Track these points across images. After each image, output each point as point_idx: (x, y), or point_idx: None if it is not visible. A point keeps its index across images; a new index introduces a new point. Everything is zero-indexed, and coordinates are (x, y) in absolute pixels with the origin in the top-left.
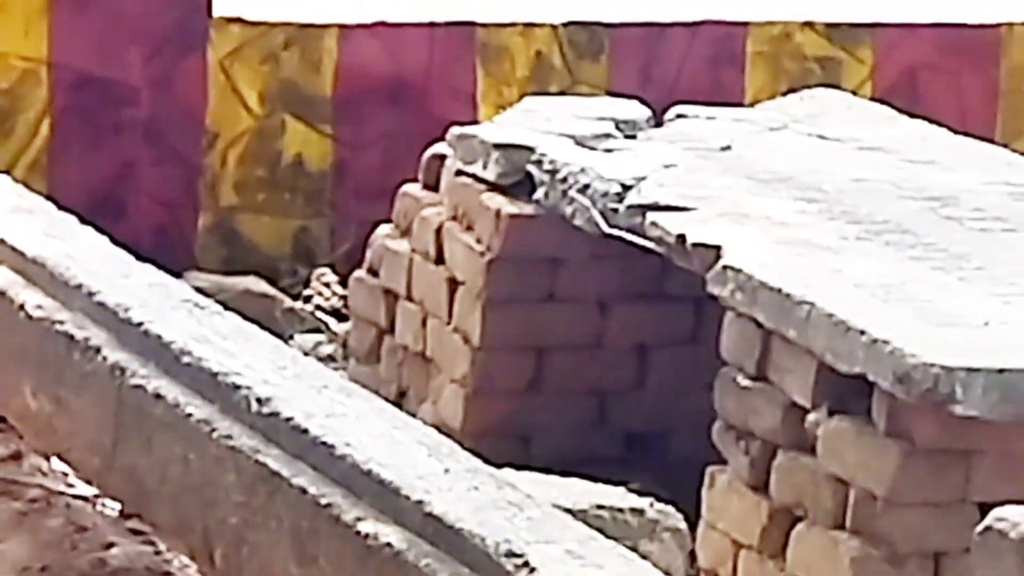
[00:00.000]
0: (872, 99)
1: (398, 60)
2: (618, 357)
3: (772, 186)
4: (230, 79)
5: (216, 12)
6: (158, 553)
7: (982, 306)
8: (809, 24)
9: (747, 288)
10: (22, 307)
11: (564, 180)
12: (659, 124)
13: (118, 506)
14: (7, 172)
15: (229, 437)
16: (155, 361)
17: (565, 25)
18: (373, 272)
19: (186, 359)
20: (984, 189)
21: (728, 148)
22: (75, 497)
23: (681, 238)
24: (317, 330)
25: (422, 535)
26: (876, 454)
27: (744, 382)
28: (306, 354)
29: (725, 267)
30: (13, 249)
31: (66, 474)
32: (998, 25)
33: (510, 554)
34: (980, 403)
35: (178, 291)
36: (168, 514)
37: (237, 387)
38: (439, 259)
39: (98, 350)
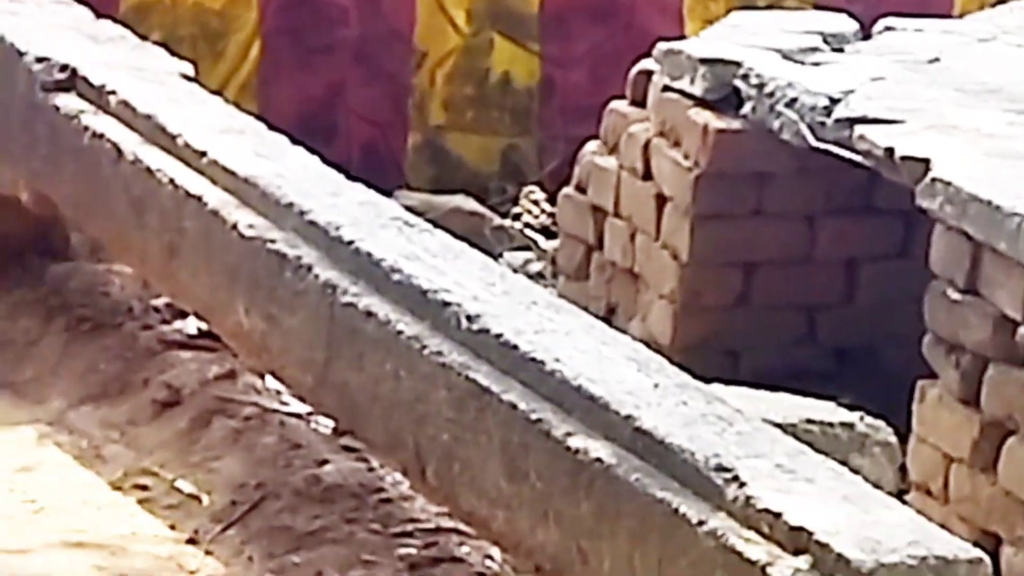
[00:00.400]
0: None
1: None
2: (826, 271)
3: (981, 98)
4: None
5: None
6: (371, 470)
7: None
8: None
9: (956, 200)
10: (235, 226)
11: (771, 94)
12: (867, 37)
13: (331, 423)
14: (219, 93)
15: (439, 354)
16: (366, 279)
17: None
18: (581, 189)
19: (396, 277)
20: None
21: (936, 60)
22: (289, 414)
23: (889, 151)
24: (526, 247)
25: (632, 450)
26: None
27: (954, 295)
28: (515, 271)
29: (934, 179)
30: (225, 169)
31: (279, 392)
32: None
33: (720, 468)
34: None
35: (388, 209)
36: (380, 431)
37: (447, 304)
38: (647, 175)
39: (309, 268)
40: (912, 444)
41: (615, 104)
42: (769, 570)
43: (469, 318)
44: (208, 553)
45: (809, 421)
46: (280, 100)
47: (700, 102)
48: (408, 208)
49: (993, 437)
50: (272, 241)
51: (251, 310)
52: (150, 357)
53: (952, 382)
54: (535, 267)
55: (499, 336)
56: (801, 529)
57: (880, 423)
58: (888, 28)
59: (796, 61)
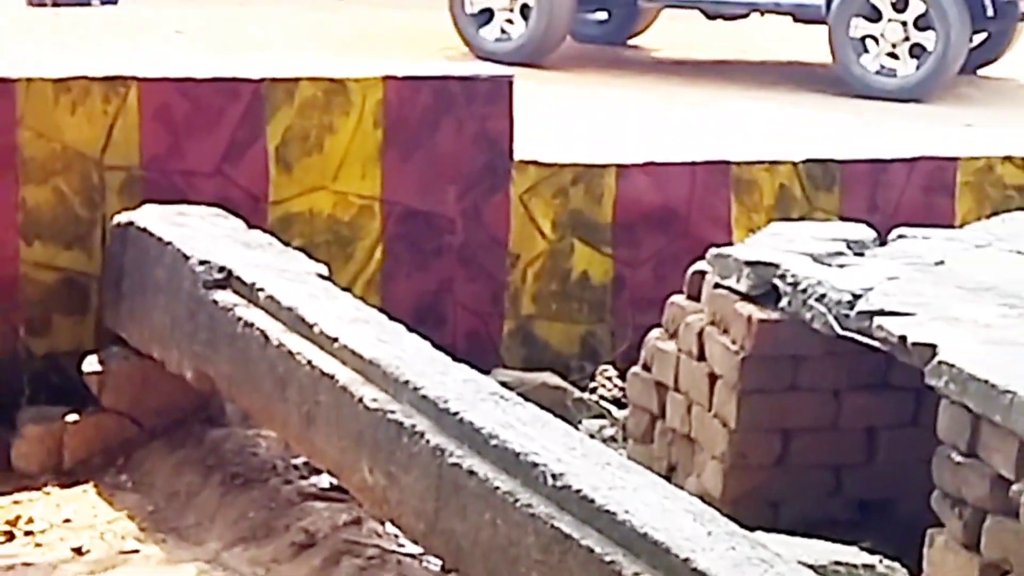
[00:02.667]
0: None
1: (665, 193)
2: (851, 437)
3: (978, 294)
4: (528, 210)
5: (517, 156)
6: None
7: None
8: (1008, 158)
9: (959, 380)
10: (360, 400)
11: (804, 291)
12: (883, 243)
13: (439, 563)
14: (348, 289)
15: (529, 506)
16: (468, 443)
17: (804, 162)
18: (647, 368)
19: (494, 442)
20: None
21: (941, 263)
22: (405, 555)
23: (903, 338)
24: (601, 416)
25: None
26: None
27: (957, 458)
28: (592, 436)
29: (940, 362)
30: (353, 352)
31: (397, 536)
32: None
33: None
34: None
35: (487, 385)
36: (480, 570)
37: (535, 464)
38: (701, 357)
39: (422, 435)
40: None
41: (675, 298)
42: None
43: (554, 476)
44: None
45: (837, 563)
46: (398, 295)
47: (745, 297)
48: (503, 384)
49: None
50: (392, 412)
51: (374, 469)
52: (290, 507)
53: (956, 531)
54: (608, 432)
55: (579, 491)
56: None
57: (896, 564)
58: (901, 236)
59: (824, 263)
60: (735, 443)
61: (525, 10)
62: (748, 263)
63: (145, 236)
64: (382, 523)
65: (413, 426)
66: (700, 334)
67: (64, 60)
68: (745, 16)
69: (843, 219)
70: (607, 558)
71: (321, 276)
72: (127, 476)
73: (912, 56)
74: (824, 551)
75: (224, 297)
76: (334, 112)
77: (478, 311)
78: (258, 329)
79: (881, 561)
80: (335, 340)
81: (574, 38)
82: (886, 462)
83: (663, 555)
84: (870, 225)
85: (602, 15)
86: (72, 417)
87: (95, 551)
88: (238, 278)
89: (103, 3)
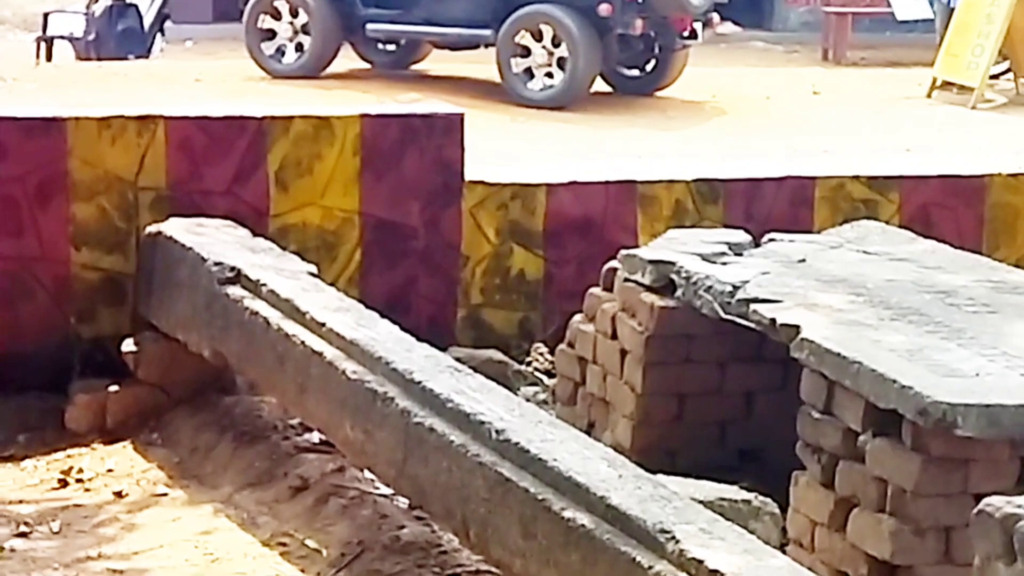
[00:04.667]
0: (899, 226)
1: (586, 206)
2: (733, 399)
3: (832, 285)
4: (476, 221)
5: (467, 177)
6: (433, 532)
7: (974, 363)
8: (856, 177)
9: (817, 353)
10: (343, 372)
11: (695, 283)
12: (758, 245)
13: (407, 501)
14: (333, 284)
15: (478, 455)
16: (429, 406)
17: (694, 181)
18: (571, 345)
19: (450, 405)
20: (974, 285)
21: (803, 261)
22: (380, 495)
23: (773, 320)
24: (535, 384)
25: (604, 519)
26: (905, 462)
27: (816, 415)
28: (528, 400)
29: (802, 339)
30: (337, 334)
31: (373, 480)
32: (982, 176)
33: (663, 531)
34: (974, 427)
35: (444, 360)
36: (439, 506)
37: (483, 423)
38: (614, 336)
39: (393, 399)
40: (790, 514)
41: (593, 290)
42: None
43: (498, 431)
44: None
45: (722, 499)
46: (373, 288)
47: (648, 288)
48: (457, 359)
49: (843, 509)
50: (368, 382)
51: (354, 427)
52: (288, 458)
53: (816, 473)
54: (541, 397)
55: (517, 443)
56: (716, 571)
57: (769, 500)
58: (771, 239)
59: (711, 261)
60: (641, 405)
61: (303, 34)
62: (651, 261)
63: (171, 243)
64: (361, 470)
65: (385, 393)
66: (613, 318)
67: (105, 102)
68: (474, 48)
69: (726, 226)
70: (539, 496)
71: (311, 274)
72: (158, 435)
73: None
74: (712, 490)
75: (234, 291)
76: (321, 143)
77: (437, 301)
78: (262, 316)
79: (756, 497)
80: (323, 324)
81: (368, 60)
82: (761, 418)
83: (584, 494)
84: (747, 231)
85: (391, 47)
86: (113, 388)
87: (132, 494)
88: (245, 276)
89: (137, 57)
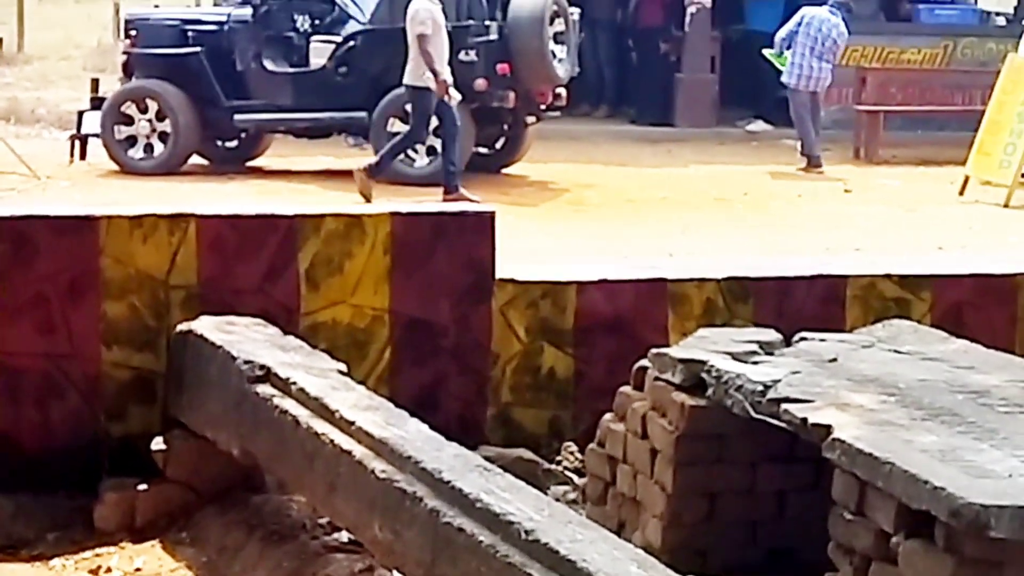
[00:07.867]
0: (931, 325)
1: (616, 304)
2: (764, 499)
3: (864, 385)
4: (507, 319)
5: (498, 275)
6: None
7: (1007, 464)
8: (888, 276)
9: (849, 453)
10: (372, 471)
11: (726, 382)
12: (788, 344)
13: None
14: (363, 382)
15: (507, 556)
16: (459, 506)
17: (725, 280)
18: (601, 444)
19: (479, 504)
20: (1007, 385)
21: (835, 360)
22: None
23: (804, 420)
24: (565, 483)
25: None
26: (938, 564)
27: (848, 516)
28: (558, 500)
29: (834, 439)
30: (367, 433)
31: None
32: (1015, 275)
33: None
34: (1007, 529)
35: (473, 459)
36: None
37: (512, 523)
38: (644, 435)
39: (421, 499)
40: None
41: (623, 389)
42: None
43: (527, 532)
44: None
45: None
46: (403, 387)
47: (679, 387)
48: (487, 458)
49: None
50: (397, 481)
51: (383, 527)
52: (317, 558)
53: (848, 574)
54: (571, 496)
55: (546, 544)
56: None
57: None
58: (803, 338)
59: (742, 360)
60: (671, 505)
61: (163, 136)
62: (681, 360)
63: (201, 341)
64: (390, 570)
65: (414, 492)
66: (644, 418)
67: (137, 201)
68: (326, 136)
69: (756, 325)
70: None
71: (341, 372)
72: (186, 534)
73: None
74: None
75: (264, 389)
76: (352, 241)
77: (466, 399)
78: (291, 415)
79: None
80: (352, 423)
81: (208, 159)
82: (792, 519)
83: None
84: (778, 330)
85: (232, 143)
86: (143, 486)
87: None
88: (275, 374)
89: None
